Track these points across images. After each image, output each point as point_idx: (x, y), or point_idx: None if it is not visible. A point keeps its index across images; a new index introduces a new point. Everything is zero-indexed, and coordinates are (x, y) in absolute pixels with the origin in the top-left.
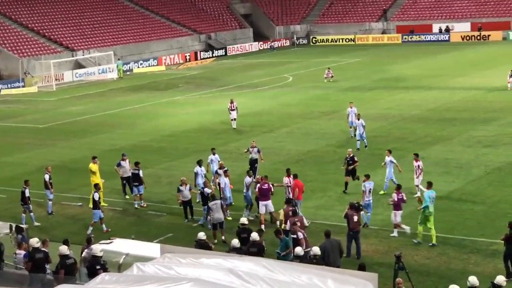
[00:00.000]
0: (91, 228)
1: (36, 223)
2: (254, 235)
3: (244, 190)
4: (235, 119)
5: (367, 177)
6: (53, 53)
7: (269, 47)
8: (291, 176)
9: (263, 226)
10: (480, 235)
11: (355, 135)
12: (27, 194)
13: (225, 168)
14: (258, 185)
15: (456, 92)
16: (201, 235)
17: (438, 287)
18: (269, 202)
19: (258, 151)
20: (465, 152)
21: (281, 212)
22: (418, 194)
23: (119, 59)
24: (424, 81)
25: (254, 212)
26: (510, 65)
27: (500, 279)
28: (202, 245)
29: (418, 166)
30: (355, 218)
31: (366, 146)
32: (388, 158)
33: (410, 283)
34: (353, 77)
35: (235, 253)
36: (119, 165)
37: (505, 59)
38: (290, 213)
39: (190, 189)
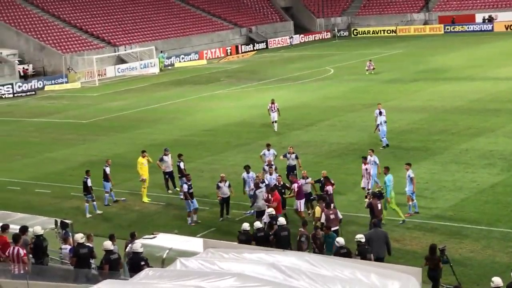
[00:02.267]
0: (189, 218)
1: (98, 212)
2: (282, 220)
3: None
4: (276, 121)
5: (409, 165)
6: (96, 49)
7: (288, 43)
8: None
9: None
10: None
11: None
12: (89, 183)
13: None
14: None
15: (499, 82)
16: (246, 226)
17: (483, 281)
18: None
19: (296, 157)
20: (510, 144)
21: (318, 209)
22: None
23: (161, 52)
24: (467, 72)
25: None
26: None
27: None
28: (248, 236)
29: (366, 169)
30: (379, 206)
31: (386, 146)
32: (371, 158)
33: (454, 276)
34: (395, 68)
35: (261, 234)
36: (161, 160)
37: None
38: (323, 206)
39: (229, 186)
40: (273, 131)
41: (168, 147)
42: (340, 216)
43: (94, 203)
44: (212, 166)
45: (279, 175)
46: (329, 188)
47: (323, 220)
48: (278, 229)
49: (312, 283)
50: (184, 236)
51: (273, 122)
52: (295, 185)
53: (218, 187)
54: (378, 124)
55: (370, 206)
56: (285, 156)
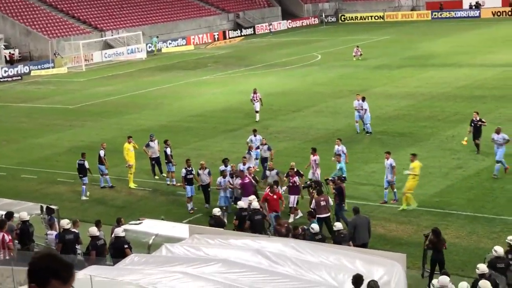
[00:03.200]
0: (189, 205)
1: (84, 197)
2: (255, 204)
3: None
4: (257, 111)
5: (389, 153)
6: (82, 34)
7: (268, 30)
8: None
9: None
10: (510, 213)
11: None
12: (86, 165)
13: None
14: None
15: (486, 69)
16: (216, 211)
17: (468, 266)
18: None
19: (269, 149)
20: None
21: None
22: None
23: (157, 37)
24: (454, 58)
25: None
26: None
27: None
28: (217, 221)
29: (315, 160)
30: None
31: (366, 132)
32: (339, 148)
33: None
34: (382, 55)
35: (245, 213)
36: (147, 145)
37: None
38: (315, 193)
39: (209, 173)
40: (261, 115)
41: (153, 133)
42: (331, 203)
43: (85, 187)
44: (199, 152)
45: (250, 166)
46: (296, 179)
47: (313, 206)
48: (252, 213)
49: (297, 269)
50: (170, 222)
51: (256, 113)
52: (237, 181)
53: (198, 175)
54: (365, 110)
55: (340, 189)
56: (257, 148)
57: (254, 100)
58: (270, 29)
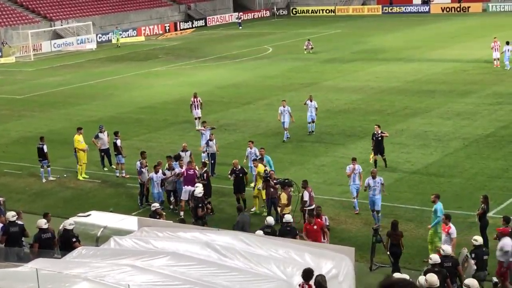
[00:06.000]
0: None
1: (51, 178)
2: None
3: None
4: (199, 117)
5: (354, 160)
6: (31, 23)
7: (238, 24)
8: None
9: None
10: (457, 207)
11: (288, 137)
12: (45, 149)
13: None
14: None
15: (435, 64)
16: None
17: (415, 259)
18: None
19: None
20: (444, 125)
21: (283, 195)
22: None
23: (116, 27)
24: (403, 53)
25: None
26: (490, 37)
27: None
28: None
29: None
30: None
31: (312, 132)
32: (251, 151)
33: (387, 255)
34: (333, 48)
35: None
36: (97, 137)
37: (484, 31)
38: (289, 191)
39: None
40: (212, 107)
41: (103, 124)
42: (312, 194)
43: (49, 169)
44: (149, 144)
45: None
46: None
47: (306, 198)
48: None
49: (247, 262)
50: (119, 214)
51: (196, 119)
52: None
53: (141, 173)
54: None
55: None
56: (207, 143)
57: (194, 107)
58: (239, 23)
